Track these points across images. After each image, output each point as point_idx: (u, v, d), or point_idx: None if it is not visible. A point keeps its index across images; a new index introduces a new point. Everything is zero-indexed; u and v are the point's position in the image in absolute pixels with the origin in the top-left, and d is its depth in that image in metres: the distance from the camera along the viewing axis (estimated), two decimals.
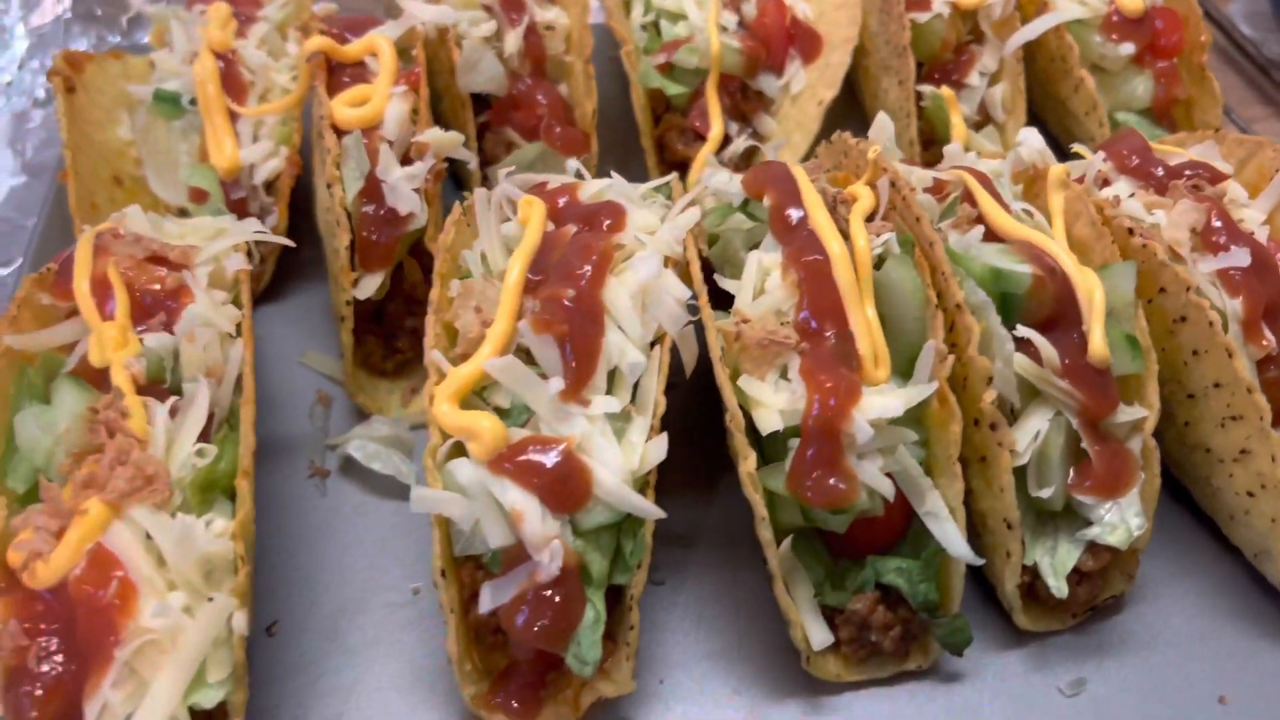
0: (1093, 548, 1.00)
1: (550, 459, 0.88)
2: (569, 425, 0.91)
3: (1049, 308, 1.00)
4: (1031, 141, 1.19)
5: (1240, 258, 1.04)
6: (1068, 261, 1.01)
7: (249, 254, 1.31)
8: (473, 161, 1.22)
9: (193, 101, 1.30)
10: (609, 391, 0.94)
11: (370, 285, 1.15)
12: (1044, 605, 1.02)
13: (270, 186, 1.31)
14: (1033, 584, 1.01)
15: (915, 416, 0.97)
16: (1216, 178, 1.14)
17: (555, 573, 0.87)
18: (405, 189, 1.13)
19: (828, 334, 0.97)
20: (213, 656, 0.81)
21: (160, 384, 0.95)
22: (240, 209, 1.29)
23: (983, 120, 1.46)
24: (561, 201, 1.07)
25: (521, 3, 1.39)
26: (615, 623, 0.94)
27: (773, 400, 0.95)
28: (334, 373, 1.24)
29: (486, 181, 1.37)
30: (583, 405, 0.92)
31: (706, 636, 1.03)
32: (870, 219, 1.08)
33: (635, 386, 0.96)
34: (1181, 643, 1.03)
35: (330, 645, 1.01)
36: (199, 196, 1.27)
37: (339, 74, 1.25)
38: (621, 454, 0.91)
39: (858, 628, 0.97)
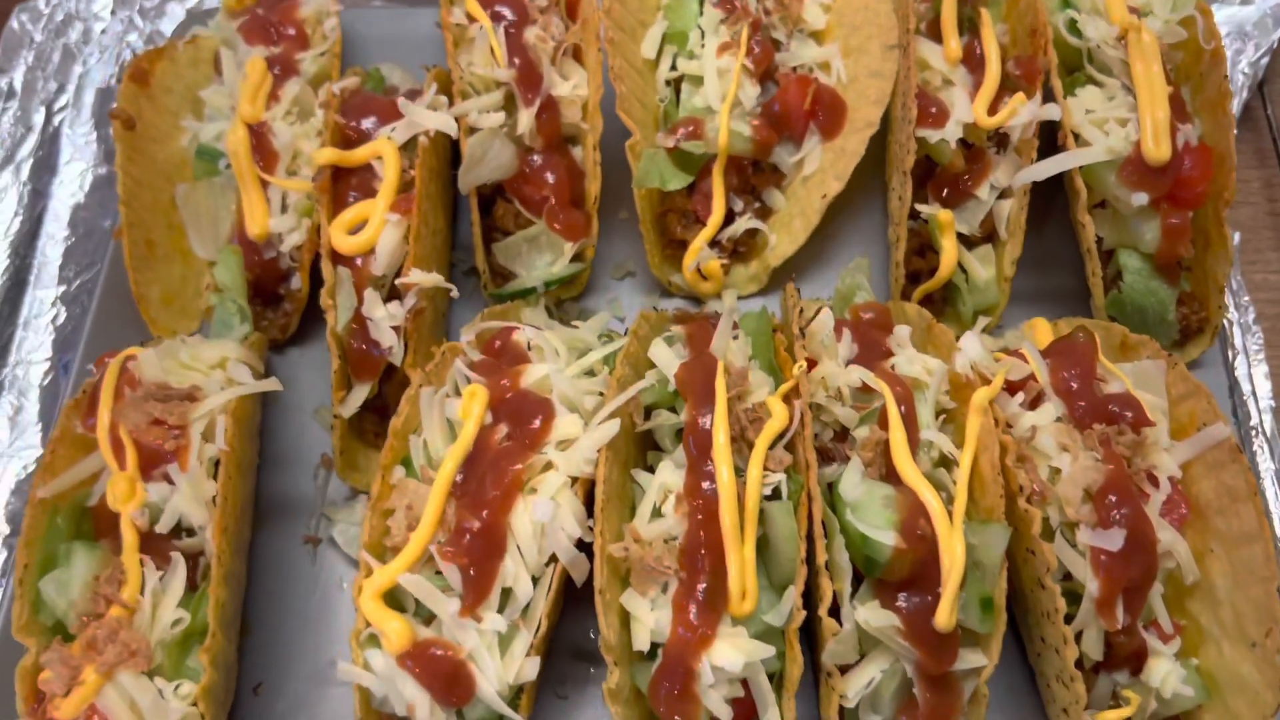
0: None
1: (442, 667, 1.09)
2: (464, 636, 1.11)
3: (909, 570, 1.11)
4: (969, 350, 1.22)
5: (1113, 540, 1.10)
6: (942, 527, 1.11)
7: (279, 302, 1.49)
8: (454, 292, 1.33)
9: (228, 165, 1.43)
10: (503, 603, 1.13)
11: (356, 399, 1.32)
12: None
13: (295, 251, 1.45)
14: None
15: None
16: (1141, 422, 1.17)
17: None
18: (385, 326, 1.28)
19: (705, 567, 1.12)
20: None
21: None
22: (271, 268, 1.45)
23: (985, 236, 1.44)
24: (504, 387, 1.20)
25: (537, 79, 1.42)
26: None
27: (647, 618, 1.13)
28: None
29: (491, 257, 1.47)
30: (476, 620, 1.11)
31: None
32: (783, 436, 1.18)
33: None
34: None
35: (302, 714, 1.28)
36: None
37: (346, 178, 1.36)
38: (502, 667, 1.11)
39: None
